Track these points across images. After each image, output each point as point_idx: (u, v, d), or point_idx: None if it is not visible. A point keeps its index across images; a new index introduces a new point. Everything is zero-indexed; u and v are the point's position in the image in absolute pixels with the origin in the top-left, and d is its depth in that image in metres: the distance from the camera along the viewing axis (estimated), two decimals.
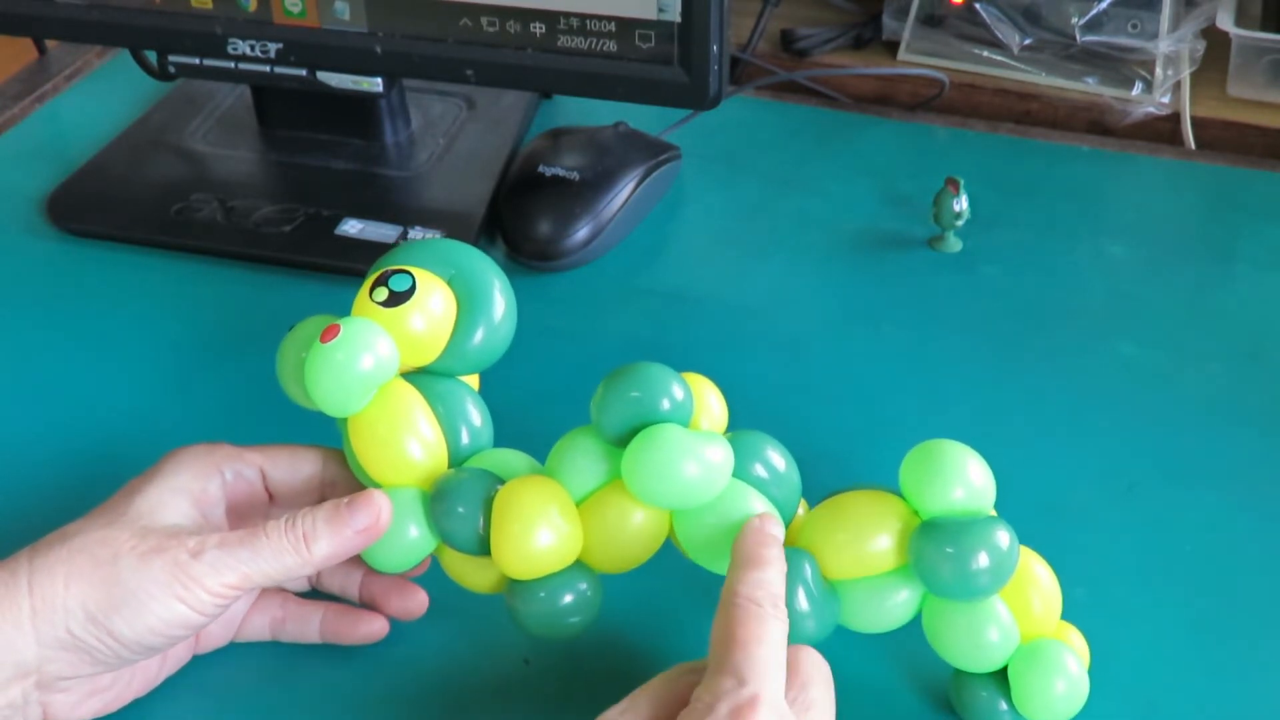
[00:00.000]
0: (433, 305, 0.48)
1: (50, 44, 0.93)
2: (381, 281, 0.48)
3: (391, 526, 0.48)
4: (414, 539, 0.48)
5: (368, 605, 0.52)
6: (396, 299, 0.48)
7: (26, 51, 0.91)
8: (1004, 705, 0.47)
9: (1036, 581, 0.47)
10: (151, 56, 0.79)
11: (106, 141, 0.81)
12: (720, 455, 0.45)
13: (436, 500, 0.48)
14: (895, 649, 0.51)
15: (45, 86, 0.88)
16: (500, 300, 0.50)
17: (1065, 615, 0.52)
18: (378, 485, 0.49)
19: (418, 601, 0.51)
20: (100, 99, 0.87)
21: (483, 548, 0.48)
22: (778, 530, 0.46)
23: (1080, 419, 0.62)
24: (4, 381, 0.65)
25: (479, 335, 0.49)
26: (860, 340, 0.67)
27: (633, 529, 0.47)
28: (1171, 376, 0.65)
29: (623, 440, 0.46)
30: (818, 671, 0.44)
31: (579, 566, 0.48)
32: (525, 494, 0.47)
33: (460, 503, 0.47)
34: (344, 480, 0.51)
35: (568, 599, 0.47)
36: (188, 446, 0.50)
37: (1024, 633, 0.47)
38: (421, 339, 0.48)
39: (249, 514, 0.51)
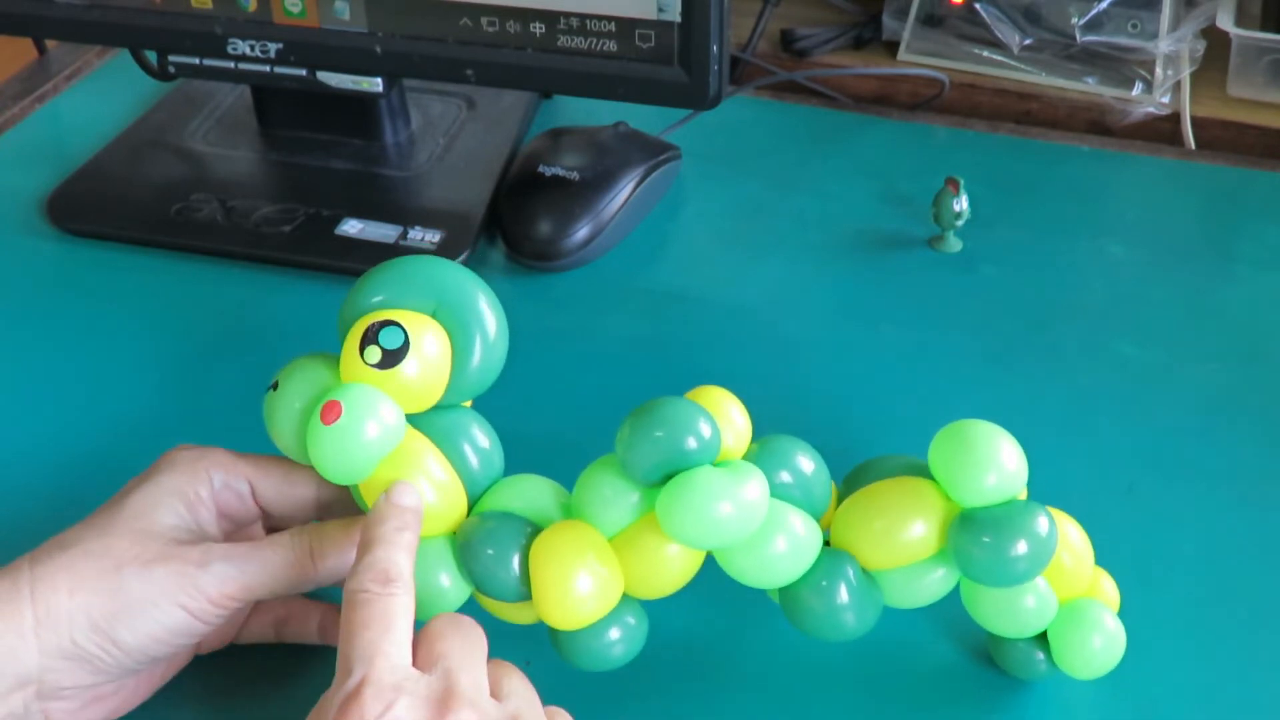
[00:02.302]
0: (428, 351, 0.46)
1: (50, 44, 0.92)
2: (370, 339, 0.46)
3: (423, 578, 0.47)
4: (448, 589, 0.47)
5: None
6: (391, 358, 0.45)
7: (26, 51, 0.91)
8: (1040, 655, 0.49)
9: (1066, 540, 0.47)
10: (151, 56, 0.79)
11: (106, 141, 0.81)
12: (756, 492, 0.44)
13: (466, 552, 0.47)
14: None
15: (45, 86, 0.88)
16: (491, 318, 0.48)
17: None
18: None
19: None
20: (100, 99, 0.87)
21: (519, 594, 0.47)
22: (404, 497, 0.45)
23: (1080, 419, 0.62)
24: (3, 381, 0.65)
25: (476, 361, 0.48)
26: (860, 340, 0.67)
27: (670, 561, 0.46)
28: (1171, 376, 0.65)
29: (652, 481, 0.45)
30: (448, 626, 0.43)
31: (622, 600, 0.47)
32: (562, 548, 0.46)
33: (492, 553, 0.46)
34: (342, 504, 0.50)
35: (614, 634, 0.46)
36: (181, 448, 0.49)
37: (1059, 591, 0.47)
38: (422, 389, 0.47)
39: (242, 523, 0.50)
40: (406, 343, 0.46)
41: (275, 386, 0.47)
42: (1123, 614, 0.52)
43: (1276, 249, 0.74)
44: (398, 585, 0.42)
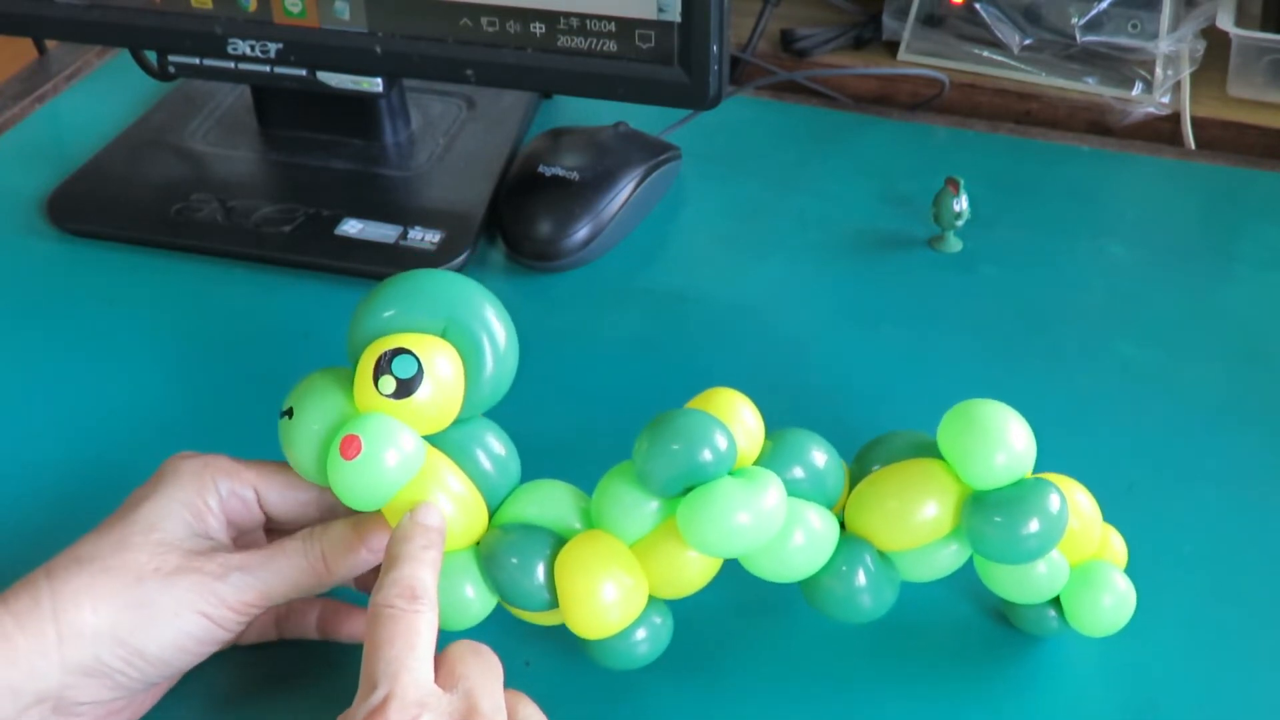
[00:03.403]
0: (441, 374, 0.46)
1: (50, 44, 0.93)
2: (384, 369, 0.46)
3: (449, 590, 0.47)
4: (473, 600, 0.48)
5: (364, 591, 0.52)
6: (406, 387, 0.46)
7: (26, 51, 0.91)
8: (1053, 614, 0.50)
9: (1074, 506, 0.48)
10: (151, 56, 0.79)
11: (106, 141, 0.81)
12: (774, 500, 0.45)
13: (491, 564, 0.47)
14: None
15: (45, 86, 0.88)
16: (501, 332, 0.48)
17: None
18: None
19: None
20: (100, 99, 0.87)
21: (546, 604, 0.47)
22: (429, 518, 0.45)
23: (1080, 419, 0.62)
24: (3, 382, 0.65)
25: (488, 376, 0.48)
26: (860, 340, 0.67)
27: (690, 564, 0.47)
28: (1171, 376, 0.65)
29: (671, 494, 0.46)
30: (467, 651, 0.43)
31: (648, 602, 0.48)
32: (588, 562, 0.46)
33: (516, 563, 0.47)
34: (344, 507, 0.49)
35: (640, 634, 0.47)
36: (183, 457, 0.49)
37: (1069, 554, 0.48)
38: (438, 413, 0.47)
39: (246, 530, 0.50)
40: (420, 370, 0.46)
41: (290, 413, 0.47)
42: None
43: (1276, 249, 0.74)
44: (423, 602, 0.43)
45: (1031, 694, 0.50)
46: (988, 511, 0.46)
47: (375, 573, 0.51)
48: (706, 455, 0.45)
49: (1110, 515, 0.57)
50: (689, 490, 0.45)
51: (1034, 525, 0.45)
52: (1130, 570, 0.51)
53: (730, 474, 0.45)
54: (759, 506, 0.44)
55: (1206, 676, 0.51)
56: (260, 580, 0.46)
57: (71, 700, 0.44)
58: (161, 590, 0.45)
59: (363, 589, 0.52)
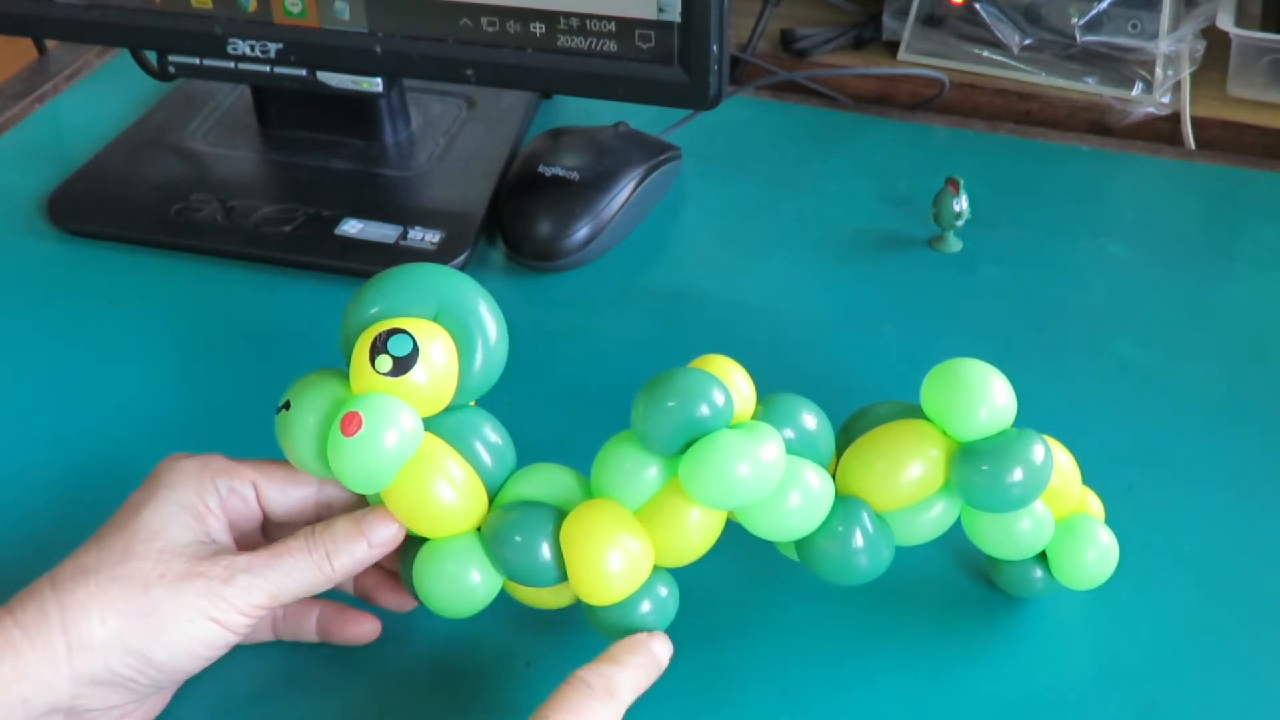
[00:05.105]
0: (435, 357, 0.47)
1: (50, 44, 0.93)
2: (380, 348, 0.46)
3: (454, 576, 0.47)
4: (478, 584, 0.48)
5: (362, 596, 0.52)
6: (402, 365, 0.46)
7: (26, 51, 0.91)
8: (1038, 573, 0.51)
9: (1055, 466, 0.49)
10: (151, 56, 0.80)
11: (106, 141, 0.81)
12: (774, 452, 0.45)
13: (495, 543, 0.47)
14: None
15: (45, 86, 0.88)
16: (490, 321, 0.49)
17: (1065, 623, 0.52)
18: (426, 538, 0.49)
19: (409, 598, 0.51)
20: (100, 99, 0.87)
21: (553, 577, 0.47)
22: (661, 650, 0.47)
23: (1080, 419, 0.62)
24: (3, 382, 0.65)
25: (478, 364, 0.48)
26: (860, 340, 0.67)
27: (693, 528, 0.47)
28: (1172, 376, 0.65)
29: (671, 452, 0.46)
30: None
31: (654, 571, 0.48)
32: (594, 525, 0.47)
33: (520, 540, 0.47)
34: (341, 502, 0.50)
35: (645, 607, 0.48)
36: (179, 458, 0.49)
37: (1052, 508, 0.50)
38: (434, 393, 0.47)
39: (245, 529, 0.50)
40: (416, 349, 0.46)
41: (287, 406, 0.48)
42: (1122, 614, 0.53)
43: (1276, 249, 0.74)
44: (615, 701, 0.44)
45: (1030, 690, 0.50)
46: (975, 461, 0.47)
47: (375, 576, 0.51)
48: (704, 410, 0.45)
49: (1110, 515, 0.57)
50: (688, 448, 0.46)
51: (1019, 474, 0.46)
52: (1131, 570, 0.51)
53: (729, 427, 0.46)
54: (759, 458, 0.45)
55: (1206, 676, 0.51)
56: (267, 581, 0.46)
57: (83, 709, 0.45)
58: (169, 597, 0.45)
59: (360, 594, 0.52)
